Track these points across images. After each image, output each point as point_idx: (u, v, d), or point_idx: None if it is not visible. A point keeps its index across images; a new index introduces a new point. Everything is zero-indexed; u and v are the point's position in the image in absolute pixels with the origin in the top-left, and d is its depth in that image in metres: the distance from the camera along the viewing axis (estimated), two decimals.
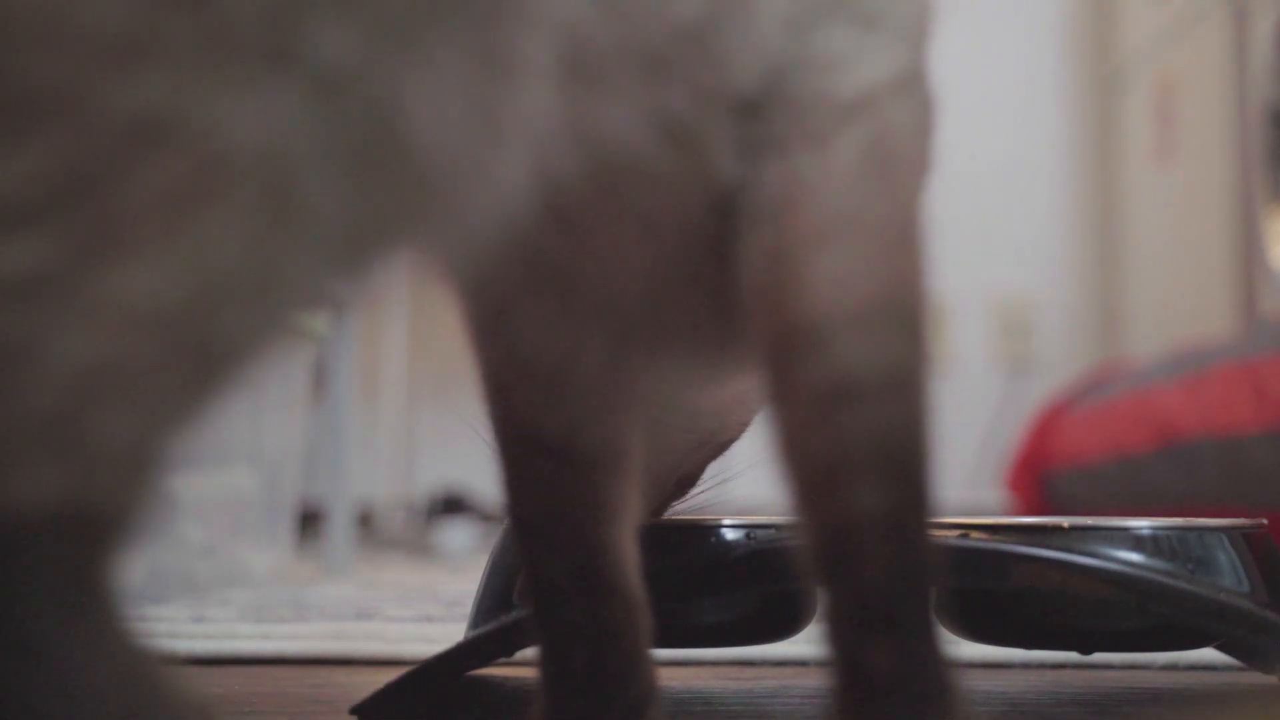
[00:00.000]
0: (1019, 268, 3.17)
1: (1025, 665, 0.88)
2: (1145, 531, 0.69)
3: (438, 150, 0.38)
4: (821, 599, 0.47)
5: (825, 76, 0.48)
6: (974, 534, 0.69)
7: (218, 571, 1.56)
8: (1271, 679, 0.80)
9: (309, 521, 2.15)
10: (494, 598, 0.74)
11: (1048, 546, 0.68)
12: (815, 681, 0.48)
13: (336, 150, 0.36)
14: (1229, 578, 0.70)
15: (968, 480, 2.84)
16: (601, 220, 0.48)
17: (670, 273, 0.51)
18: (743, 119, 0.47)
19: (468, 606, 0.76)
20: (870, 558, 0.46)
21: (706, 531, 0.70)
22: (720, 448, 0.70)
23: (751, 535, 0.70)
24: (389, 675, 0.72)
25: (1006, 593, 0.72)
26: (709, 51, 0.45)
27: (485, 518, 2.76)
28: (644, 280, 0.51)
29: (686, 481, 0.71)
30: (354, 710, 0.72)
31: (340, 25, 0.36)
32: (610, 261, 0.51)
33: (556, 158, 0.43)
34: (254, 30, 0.35)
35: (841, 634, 0.46)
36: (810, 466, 0.47)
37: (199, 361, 0.36)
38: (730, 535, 0.70)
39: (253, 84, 0.35)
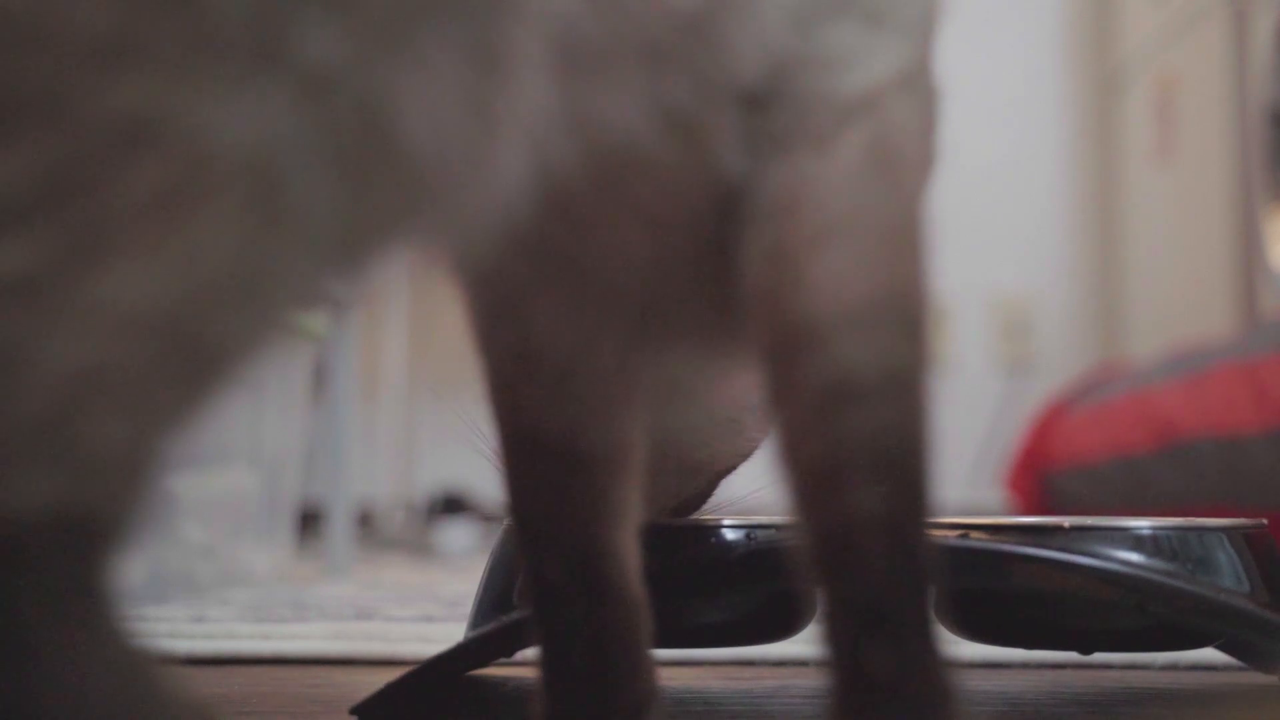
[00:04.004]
0: (1019, 268, 3.17)
1: (1025, 665, 0.88)
2: (1145, 531, 0.69)
3: (430, 146, 0.38)
4: (820, 599, 0.47)
5: (829, 74, 0.48)
6: (974, 534, 0.69)
7: (218, 571, 1.56)
8: (1271, 679, 0.80)
9: (309, 521, 2.15)
10: (494, 598, 0.74)
11: (1048, 546, 0.68)
12: (815, 681, 0.48)
13: (326, 149, 0.36)
14: (1229, 578, 0.70)
15: (968, 480, 2.84)
16: (605, 214, 0.48)
17: (674, 268, 0.51)
18: (746, 113, 0.47)
19: (468, 606, 0.76)
20: (869, 558, 0.46)
21: (706, 531, 0.70)
22: (725, 470, 0.70)
23: (751, 535, 0.69)
24: (389, 675, 0.72)
25: (1006, 593, 0.72)
26: (710, 43, 0.45)
27: (485, 518, 2.76)
28: (648, 275, 0.51)
29: (696, 500, 0.71)
30: (354, 710, 0.72)
31: (327, 24, 0.35)
32: (614, 256, 0.50)
33: (555, 150, 0.43)
34: (240, 30, 0.34)
35: (840, 634, 0.46)
36: (809, 466, 0.47)
37: (192, 363, 0.36)
38: (730, 535, 0.70)
39: (240, 84, 0.35)
